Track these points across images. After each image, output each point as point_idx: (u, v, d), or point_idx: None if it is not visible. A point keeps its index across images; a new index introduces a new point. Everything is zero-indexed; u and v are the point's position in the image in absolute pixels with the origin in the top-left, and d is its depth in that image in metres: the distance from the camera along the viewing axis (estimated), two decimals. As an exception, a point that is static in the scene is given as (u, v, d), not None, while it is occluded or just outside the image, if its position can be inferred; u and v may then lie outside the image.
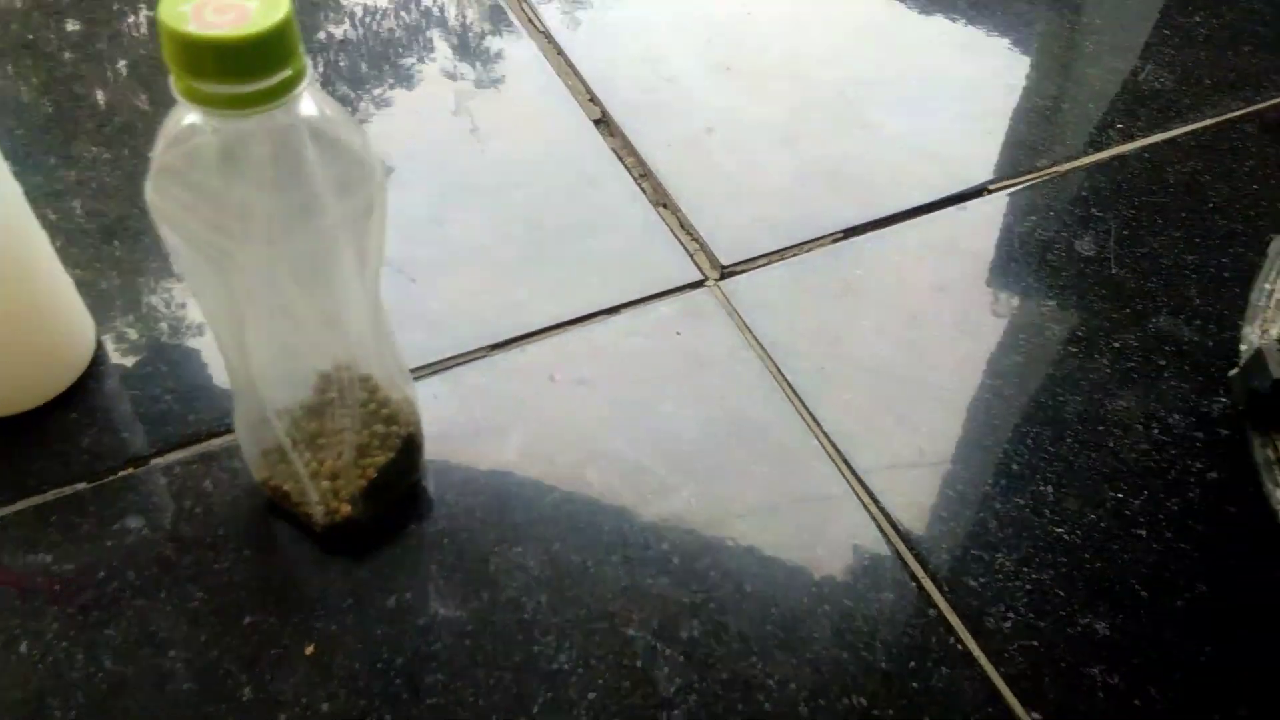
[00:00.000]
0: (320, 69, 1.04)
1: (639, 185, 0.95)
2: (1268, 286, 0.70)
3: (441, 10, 1.12)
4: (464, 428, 0.75)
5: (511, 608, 0.65)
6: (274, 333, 0.55)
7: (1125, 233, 0.93)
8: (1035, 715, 0.63)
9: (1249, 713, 0.63)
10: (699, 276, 0.87)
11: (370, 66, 1.05)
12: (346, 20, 1.10)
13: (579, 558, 0.68)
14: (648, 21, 1.14)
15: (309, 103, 0.47)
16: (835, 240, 0.91)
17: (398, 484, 0.68)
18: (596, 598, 0.66)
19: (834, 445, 0.76)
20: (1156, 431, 0.78)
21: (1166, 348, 0.84)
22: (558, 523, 0.70)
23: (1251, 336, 0.66)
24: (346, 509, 0.65)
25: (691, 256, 0.89)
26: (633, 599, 0.66)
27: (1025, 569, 0.69)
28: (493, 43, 1.09)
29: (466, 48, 1.08)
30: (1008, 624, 0.67)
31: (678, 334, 0.82)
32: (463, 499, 0.71)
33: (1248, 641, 0.67)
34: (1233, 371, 0.67)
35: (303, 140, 0.47)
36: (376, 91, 1.02)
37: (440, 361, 0.79)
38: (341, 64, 1.05)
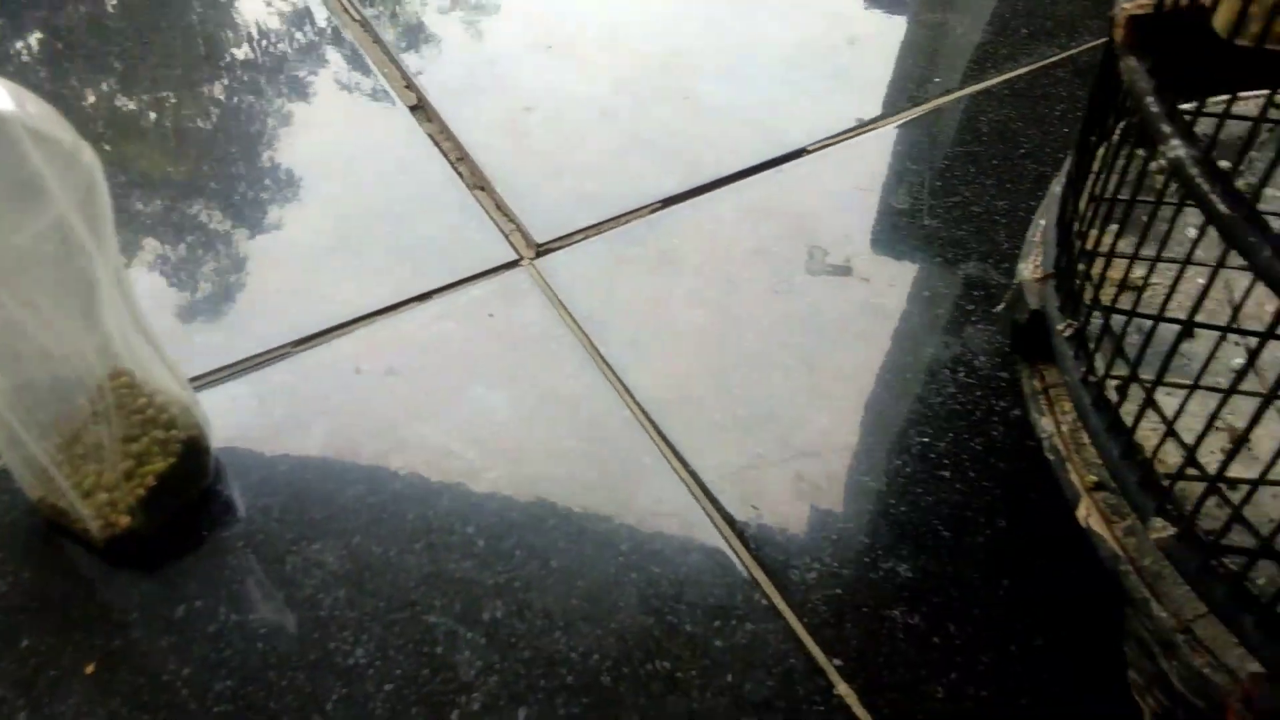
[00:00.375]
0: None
1: (456, 169, 0.93)
2: (1041, 223, 0.71)
3: None
4: (264, 428, 0.73)
5: (308, 606, 0.64)
6: (16, 343, 0.53)
7: (939, 184, 0.95)
8: (836, 661, 0.63)
9: (1044, 641, 0.65)
10: (514, 256, 0.86)
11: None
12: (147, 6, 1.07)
13: (380, 549, 0.67)
14: (467, 4, 1.12)
15: (6, 99, 0.46)
16: (654, 210, 0.91)
17: (184, 490, 0.66)
18: (397, 588, 0.65)
19: (646, 414, 0.75)
20: (963, 374, 0.79)
21: (975, 293, 0.85)
22: (359, 515, 0.69)
23: (1024, 272, 0.67)
24: (126, 520, 0.63)
25: (507, 237, 0.88)
26: (435, 585, 0.65)
27: (831, 519, 0.70)
28: (306, 31, 1.06)
29: (277, 35, 1.05)
30: (812, 575, 0.67)
31: (490, 316, 0.81)
32: (259, 500, 0.69)
33: (1043, 572, 0.68)
34: (999, 307, 0.68)
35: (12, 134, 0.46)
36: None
37: (240, 362, 0.77)
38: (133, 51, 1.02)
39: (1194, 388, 0.53)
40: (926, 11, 1.14)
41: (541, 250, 0.87)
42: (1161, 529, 0.49)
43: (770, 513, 0.70)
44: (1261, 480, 0.47)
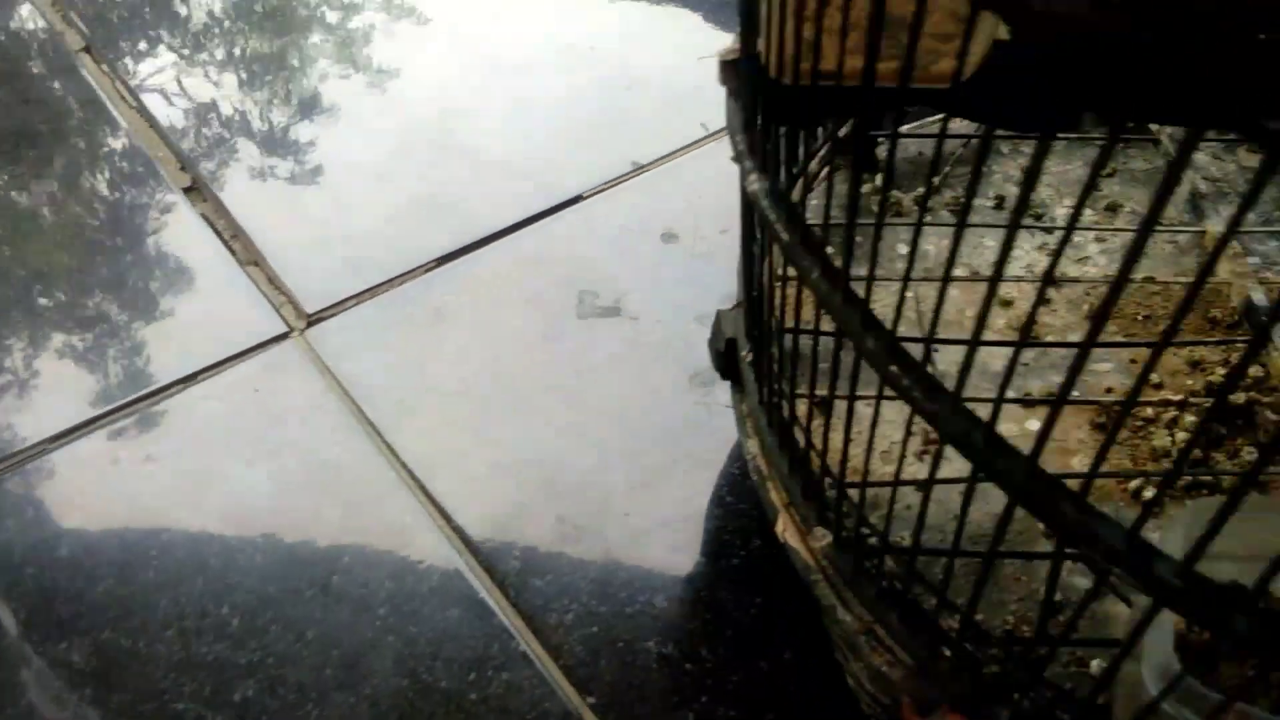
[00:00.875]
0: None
1: (229, 246, 0.93)
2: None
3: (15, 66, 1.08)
4: (13, 532, 0.72)
5: (54, 707, 0.63)
6: None
7: (706, 221, 0.98)
8: (590, 700, 0.64)
9: (792, 655, 0.67)
10: (284, 329, 0.86)
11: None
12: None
13: (129, 641, 0.66)
14: (244, 81, 1.13)
15: None
16: (427, 270, 0.92)
17: (-88, 606, 0.65)
18: (146, 679, 0.64)
19: (410, 474, 0.76)
20: (723, 403, 0.82)
21: (738, 320, 0.88)
22: (108, 610, 0.68)
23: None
24: None
25: (278, 310, 0.88)
26: (185, 671, 0.65)
27: (590, 559, 0.72)
28: (84, 117, 1.06)
29: (59, 127, 1.05)
30: (570, 616, 0.69)
31: (256, 391, 0.82)
32: (6, 606, 0.67)
33: (792, 588, 0.70)
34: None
35: None
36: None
37: (-10, 465, 0.75)
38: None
39: (850, 397, 0.55)
40: (699, 56, 1.19)
41: (312, 320, 0.87)
42: (821, 537, 0.52)
43: (531, 558, 0.72)
44: (897, 482, 0.50)
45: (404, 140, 1.05)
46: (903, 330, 0.45)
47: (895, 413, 0.64)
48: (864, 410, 0.64)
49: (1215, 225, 0.70)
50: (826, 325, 0.58)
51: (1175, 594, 0.32)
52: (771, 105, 0.45)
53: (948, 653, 0.47)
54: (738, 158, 0.48)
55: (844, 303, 0.40)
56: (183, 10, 1.20)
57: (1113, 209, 0.80)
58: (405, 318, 0.88)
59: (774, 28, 0.43)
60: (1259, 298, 0.65)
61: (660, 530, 0.73)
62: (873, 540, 0.52)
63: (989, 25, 0.46)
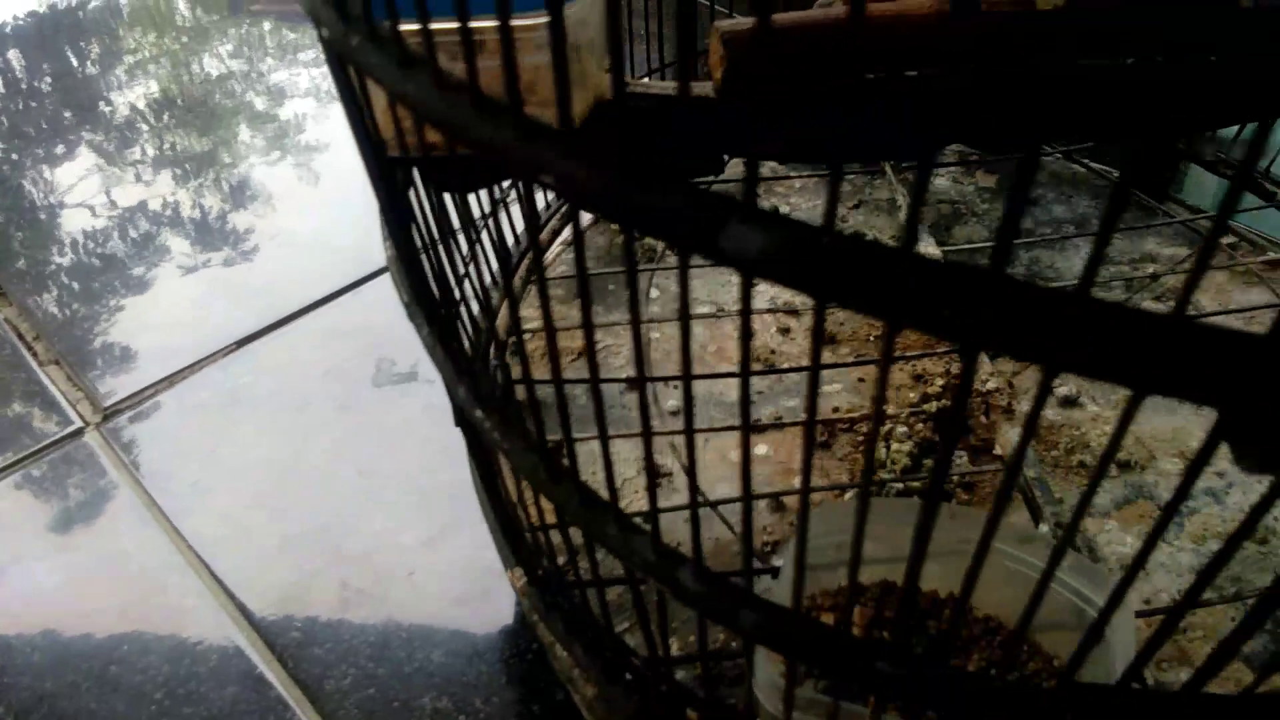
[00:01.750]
0: None
1: (30, 349, 0.94)
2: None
3: None
4: None
5: None
6: None
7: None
8: (361, 762, 0.65)
9: (564, 697, 0.69)
10: (80, 425, 0.87)
11: None
12: None
13: (-106, 754, 0.66)
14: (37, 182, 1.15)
15: None
16: (228, 352, 0.94)
17: None
18: (-92, 791, 0.64)
19: (197, 555, 0.77)
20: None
21: (532, 374, 0.91)
22: (-126, 725, 0.67)
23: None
24: None
25: (74, 406, 0.89)
26: (-50, 779, 0.65)
27: (371, 621, 0.73)
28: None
29: None
30: (348, 680, 0.70)
31: (46, 488, 0.82)
32: None
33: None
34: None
35: None
36: None
37: None
38: None
39: (549, 439, 0.58)
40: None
41: (109, 413, 0.88)
42: (519, 577, 0.54)
43: (313, 627, 0.73)
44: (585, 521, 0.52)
45: (215, 225, 1.08)
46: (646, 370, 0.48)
47: (621, 448, 0.67)
48: (588, 449, 0.67)
49: (927, 246, 0.75)
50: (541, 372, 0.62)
51: (694, 596, 0.35)
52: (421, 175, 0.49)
53: (629, 676, 0.50)
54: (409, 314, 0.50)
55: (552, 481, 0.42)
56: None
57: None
58: (203, 402, 0.90)
59: (377, 108, 0.46)
60: (959, 310, 0.70)
61: (442, 586, 0.75)
62: (572, 576, 0.54)
63: (586, 94, 0.50)
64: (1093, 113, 0.56)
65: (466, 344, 0.59)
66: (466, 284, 0.53)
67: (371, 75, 0.29)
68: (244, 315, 0.98)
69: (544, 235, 0.79)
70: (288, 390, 0.90)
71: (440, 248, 0.44)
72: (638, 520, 0.36)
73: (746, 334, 0.27)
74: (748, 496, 0.33)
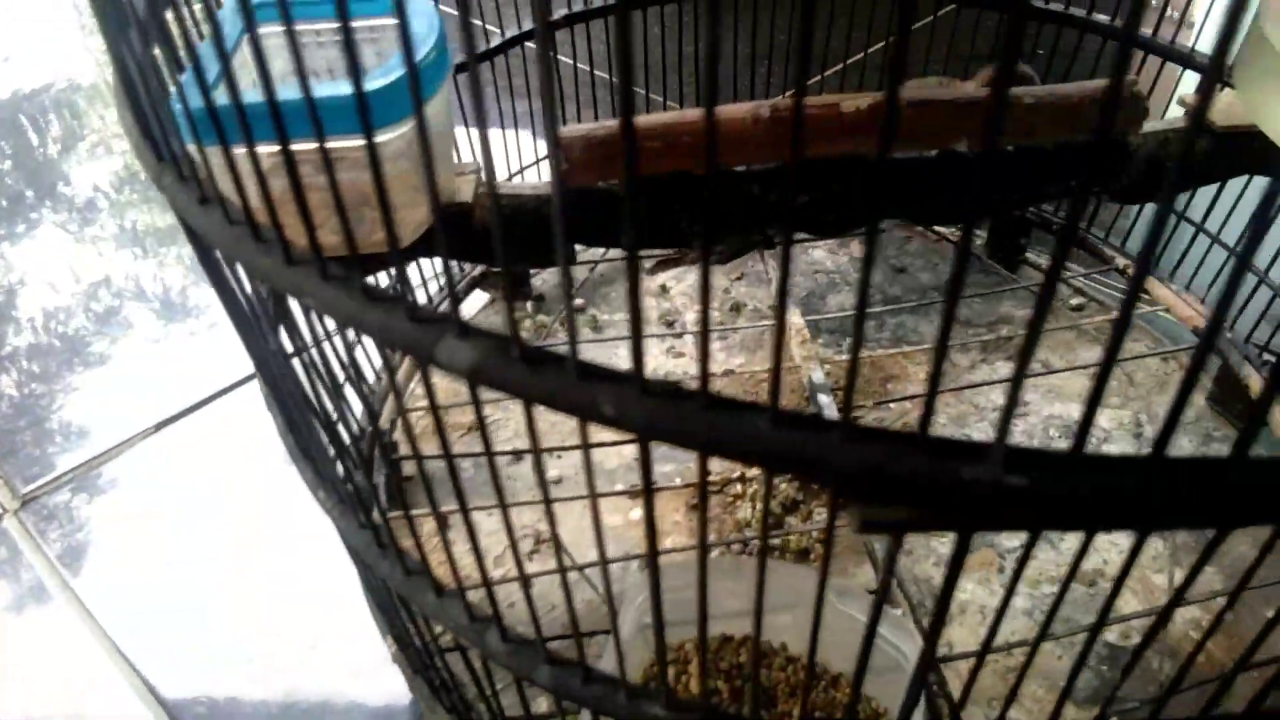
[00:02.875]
0: None
1: (-53, 438, 0.97)
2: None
3: None
4: None
5: None
6: None
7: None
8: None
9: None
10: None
11: None
12: None
13: None
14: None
15: None
16: (148, 435, 0.97)
17: None
18: None
19: (105, 633, 0.79)
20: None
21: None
22: None
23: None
24: None
25: (-11, 493, 0.91)
26: None
27: (275, 696, 0.75)
28: None
29: None
30: (247, 754, 0.72)
31: (-45, 578, 0.84)
32: None
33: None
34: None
35: None
36: None
37: None
38: None
39: (426, 510, 0.62)
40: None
41: (26, 500, 0.91)
42: (391, 645, 0.58)
43: (216, 704, 0.75)
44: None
45: (100, 320, 1.11)
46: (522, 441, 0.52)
47: (498, 522, 0.71)
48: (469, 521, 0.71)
49: (793, 316, 0.81)
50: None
51: (500, 656, 0.39)
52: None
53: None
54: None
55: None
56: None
57: (736, 309, 0.90)
58: (118, 498, 0.92)
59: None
60: (818, 377, 0.75)
61: (343, 657, 0.78)
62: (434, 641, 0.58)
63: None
64: (901, 199, 0.62)
65: (347, 434, 0.63)
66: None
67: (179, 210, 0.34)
68: (161, 402, 1.01)
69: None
70: (200, 483, 0.93)
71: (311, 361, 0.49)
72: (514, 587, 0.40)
73: (537, 453, 0.32)
74: (595, 563, 0.37)
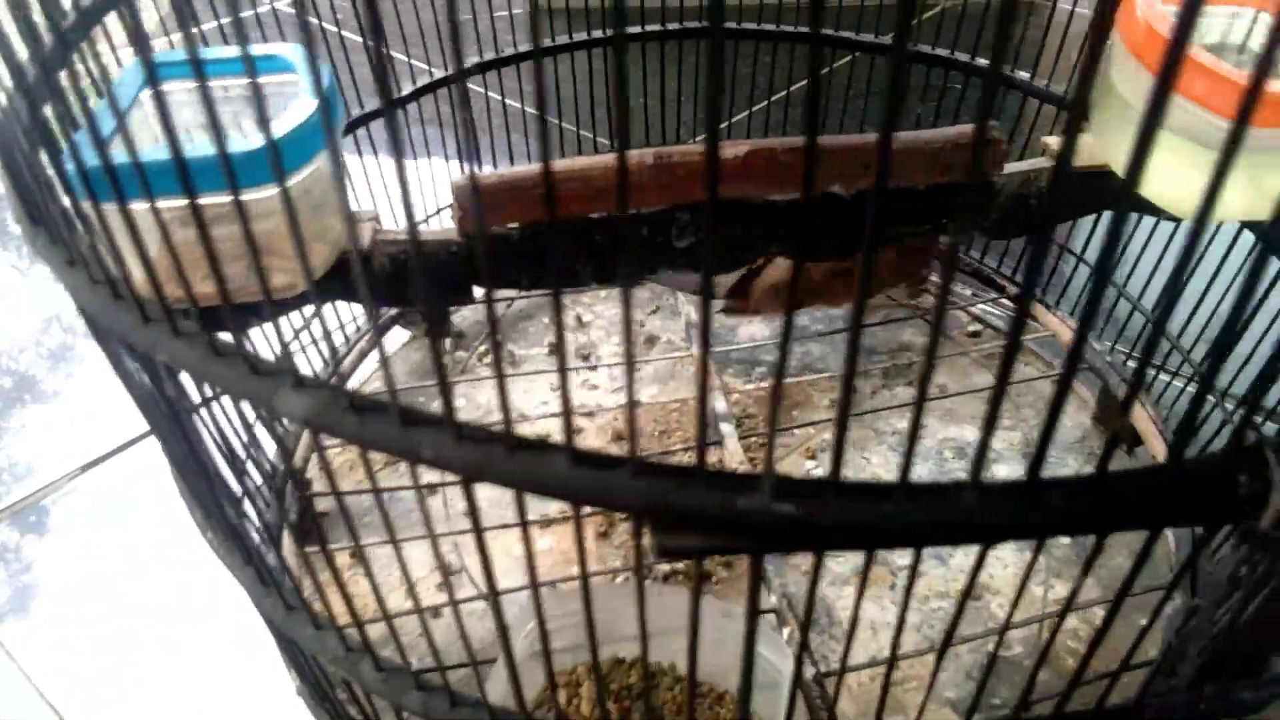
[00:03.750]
0: None
1: None
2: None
3: None
4: None
5: None
6: None
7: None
8: None
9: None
10: (-90, 559, 0.89)
11: None
12: None
13: None
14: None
15: None
16: (73, 477, 0.97)
17: None
18: None
19: (26, 676, 0.80)
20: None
21: (363, 482, 0.96)
22: None
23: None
24: None
25: (-93, 541, 0.91)
26: None
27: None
28: None
29: None
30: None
31: None
32: None
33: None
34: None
35: None
36: None
37: None
38: None
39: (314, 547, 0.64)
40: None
41: (-58, 545, 0.90)
42: (294, 679, 0.59)
43: (132, 743, 0.75)
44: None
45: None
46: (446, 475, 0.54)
47: (413, 553, 0.73)
48: (374, 558, 0.72)
49: (694, 348, 0.84)
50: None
51: (374, 685, 0.41)
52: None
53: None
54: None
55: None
56: None
57: (651, 341, 0.93)
58: (62, 518, 0.93)
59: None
60: (720, 407, 0.78)
61: (265, 687, 0.79)
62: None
63: (325, 249, 0.58)
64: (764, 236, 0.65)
65: (260, 477, 0.65)
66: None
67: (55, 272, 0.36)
68: (70, 447, 1.01)
69: (353, 356, 0.86)
70: (139, 505, 0.94)
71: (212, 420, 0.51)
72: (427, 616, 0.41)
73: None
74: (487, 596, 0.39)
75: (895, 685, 0.65)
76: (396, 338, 0.94)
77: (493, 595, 0.38)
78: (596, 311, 0.97)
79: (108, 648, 0.82)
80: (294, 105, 0.54)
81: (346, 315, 0.93)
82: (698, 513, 0.27)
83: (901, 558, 0.73)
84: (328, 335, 0.73)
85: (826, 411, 0.86)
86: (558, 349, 0.25)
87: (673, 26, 0.92)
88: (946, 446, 0.82)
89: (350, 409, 0.29)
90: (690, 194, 0.62)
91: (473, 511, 0.31)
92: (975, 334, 0.93)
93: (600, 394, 0.88)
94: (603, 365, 0.90)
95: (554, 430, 0.84)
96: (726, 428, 0.77)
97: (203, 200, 0.31)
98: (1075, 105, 0.23)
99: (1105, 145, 0.65)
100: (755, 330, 0.95)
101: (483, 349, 0.92)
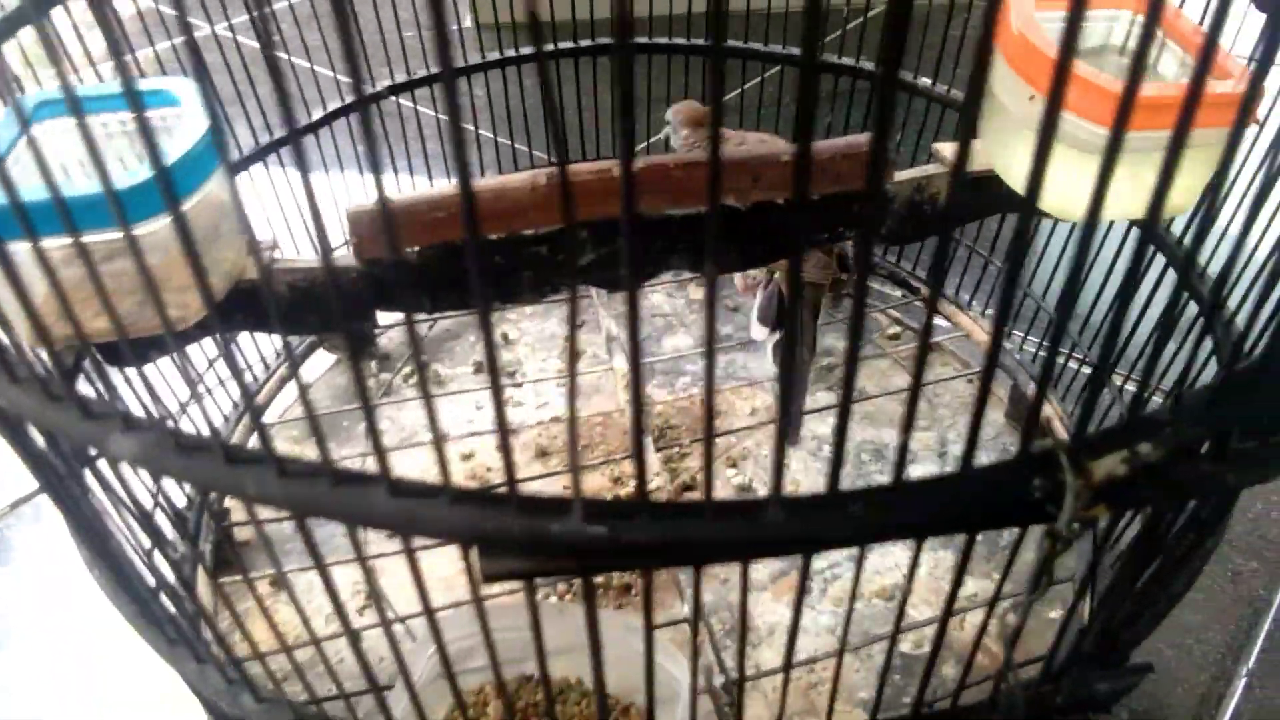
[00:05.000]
0: None
1: None
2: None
3: None
4: None
5: None
6: None
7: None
8: None
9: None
10: None
11: None
12: None
13: None
14: None
15: None
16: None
17: None
18: None
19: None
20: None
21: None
22: None
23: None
24: None
25: None
26: None
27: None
28: None
29: None
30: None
31: None
32: None
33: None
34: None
35: None
36: None
37: None
38: None
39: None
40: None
41: None
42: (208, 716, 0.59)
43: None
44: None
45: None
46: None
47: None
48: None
49: (619, 363, 0.85)
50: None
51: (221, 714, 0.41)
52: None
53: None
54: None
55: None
56: None
57: (576, 355, 0.94)
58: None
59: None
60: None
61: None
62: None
63: (218, 280, 0.58)
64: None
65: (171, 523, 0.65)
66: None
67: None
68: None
69: (273, 382, 0.86)
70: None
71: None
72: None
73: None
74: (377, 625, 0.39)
75: (811, 689, 0.66)
76: (321, 362, 0.94)
77: (385, 623, 0.38)
78: (523, 329, 0.98)
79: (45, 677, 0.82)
80: (177, 136, 0.54)
81: (267, 346, 0.93)
82: (511, 539, 0.28)
83: (819, 561, 0.75)
84: (237, 370, 0.72)
85: (748, 419, 0.87)
86: (489, 369, 0.26)
87: (585, 44, 0.93)
88: (864, 449, 0.84)
89: (177, 448, 0.29)
90: (587, 211, 0.63)
91: (310, 544, 0.31)
92: (895, 336, 0.95)
93: (525, 410, 0.88)
94: (528, 382, 0.91)
95: (478, 449, 0.84)
96: (644, 440, 0.78)
97: (85, 238, 0.31)
98: (965, 117, 0.24)
99: (989, 150, 0.67)
100: (679, 341, 0.96)
101: (407, 370, 0.92)
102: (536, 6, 0.21)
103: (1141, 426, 0.29)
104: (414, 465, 0.83)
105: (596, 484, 0.81)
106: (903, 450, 0.29)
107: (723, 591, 0.73)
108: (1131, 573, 0.42)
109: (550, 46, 0.93)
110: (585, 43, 0.93)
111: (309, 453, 0.86)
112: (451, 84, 0.22)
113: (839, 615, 0.71)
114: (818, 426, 0.86)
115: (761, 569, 0.74)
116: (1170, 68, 0.65)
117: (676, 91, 1.00)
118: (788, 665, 0.41)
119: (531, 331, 0.97)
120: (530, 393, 0.90)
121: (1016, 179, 0.64)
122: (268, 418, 0.88)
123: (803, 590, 0.35)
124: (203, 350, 0.80)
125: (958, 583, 0.45)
